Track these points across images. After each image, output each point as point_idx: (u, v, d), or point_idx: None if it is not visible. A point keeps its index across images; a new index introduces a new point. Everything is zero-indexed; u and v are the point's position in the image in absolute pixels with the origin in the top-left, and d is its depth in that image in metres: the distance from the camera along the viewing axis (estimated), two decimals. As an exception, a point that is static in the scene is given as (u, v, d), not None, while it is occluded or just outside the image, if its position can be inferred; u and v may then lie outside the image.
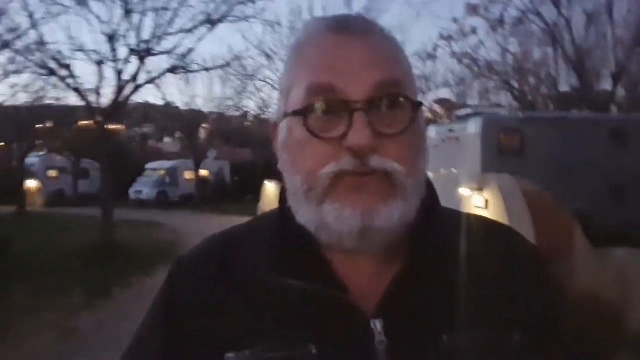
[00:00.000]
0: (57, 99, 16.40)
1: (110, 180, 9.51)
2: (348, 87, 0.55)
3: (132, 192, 20.04)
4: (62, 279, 6.79)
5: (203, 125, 24.68)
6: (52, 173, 21.70)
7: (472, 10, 7.88)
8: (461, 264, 0.60)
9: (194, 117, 21.49)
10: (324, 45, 0.57)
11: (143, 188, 20.34)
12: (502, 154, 8.15)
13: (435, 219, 0.61)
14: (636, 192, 8.11)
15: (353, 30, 0.57)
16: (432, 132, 9.54)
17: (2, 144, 18.59)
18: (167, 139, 41.98)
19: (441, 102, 24.55)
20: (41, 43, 8.54)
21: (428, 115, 26.41)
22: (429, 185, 0.62)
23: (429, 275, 0.58)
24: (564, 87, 12.50)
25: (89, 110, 8.99)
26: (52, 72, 8.32)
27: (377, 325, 0.56)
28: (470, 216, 0.69)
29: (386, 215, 0.54)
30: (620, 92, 11.60)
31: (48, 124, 19.48)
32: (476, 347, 0.56)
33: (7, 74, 9.91)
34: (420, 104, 0.58)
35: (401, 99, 0.56)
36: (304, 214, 0.57)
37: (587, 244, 4.23)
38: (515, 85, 12.96)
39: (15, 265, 7.40)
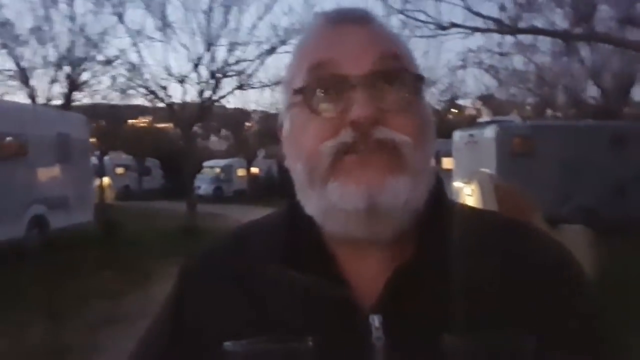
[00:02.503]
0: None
1: (192, 179, 12.26)
2: (348, 63, 0.55)
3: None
4: (166, 250, 9.36)
5: (247, 124, 27.44)
6: (119, 170, 25.02)
7: (500, 23, 9.80)
8: (469, 260, 0.58)
9: (239, 116, 24.07)
10: (323, 33, 0.59)
11: (201, 184, 23.16)
12: (514, 157, 10.04)
13: (443, 212, 0.60)
14: (634, 190, 9.76)
15: (353, 19, 0.59)
16: (456, 136, 11.65)
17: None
18: (213, 138, 45.20)
19: (484, 98, 25.88)
20: (135, 66, 11.43)
21: (472, 112, 28.02)
22: (438, 178, 0.62)
23: (433, 270, 0.57)
24: (584, 97, 14.29)
25: (176, 120, 11.74)
26: (152, 92, 11.17)
27: (375, 320, 0.56)
28: (484, 212, 0.70)
29: (394, 189, 0.53)
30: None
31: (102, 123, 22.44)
32: (480, 347, 0.55)
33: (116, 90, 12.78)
34: (422, 77, 0.58)
35: (402, 72, 0.57)
36: (310, 201, 0.58)
37: (545, 223, 6.31)
38: (540, 93, 14.86)
39: (126, 241, 10.16)
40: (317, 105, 0.56)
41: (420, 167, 0.56)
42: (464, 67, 13.84)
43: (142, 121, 32.70)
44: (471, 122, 13.98)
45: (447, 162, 12.89)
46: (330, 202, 0.55)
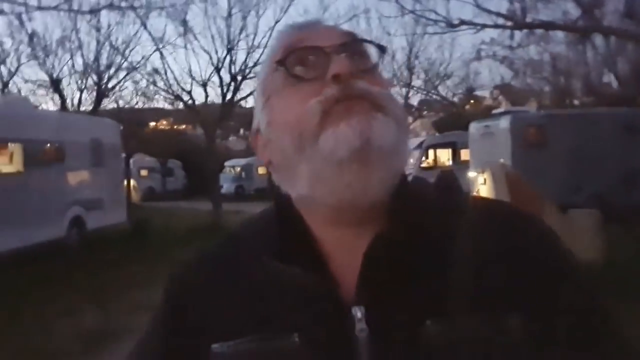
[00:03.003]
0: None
1: (216, 178, 12.86)
2: (319, 39, 0.61)
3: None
4: (192, 245, 9.93)
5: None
6: (143, 172, 25.88)
7: (509, 18, 10.06)
8: (448, 240, 0.58)
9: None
10: (291, 33, 0.65)
11: (223, 183, 23.87)
12: (528, 147, 10.27)
13: (413, 194, 0.62)
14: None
15: (311, 24, 0.66)
16: (471, 127, 11.95)
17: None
18: (232, 137, 46.05)
19: (501, 87, 25.85)
20: (157, 71, 12.08)
21: (489, 102, 28.18)
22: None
23: (409, 252, 0.57)
24: (601, 85, 14.46)
25: (200, 122, 12.34)
26: (177, 97, 11.82)
27: (358, 312, 0.56)
28: (460, 191, 0.69)
29: (383, 125, 0.56)
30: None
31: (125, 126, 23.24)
32: (465, 332, 0.54)
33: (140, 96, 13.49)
34: (384, 47, 0.63)
35: (365, 43, 0.63)
36: (298, 172, 0.58)
37: (555, 210, 6.66)
38: (556, 82, 15.06)
39: (155, 238, 10.78)
40: (299, 72, 0.60)
41: (400, 117, 0.59)
42: (478, 59, 14.13)
43: (162, 123, 33.60)
44: (489, 112, 14.24)
45: (465, 154, 13.17)
46: (322, 156, 0.56)
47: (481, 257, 0.58)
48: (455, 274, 0.57)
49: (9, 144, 8.15)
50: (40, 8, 7.27)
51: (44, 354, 4.40)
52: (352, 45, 0.61)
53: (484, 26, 7.84)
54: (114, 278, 7.10)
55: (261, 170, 25.47)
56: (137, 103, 16.86)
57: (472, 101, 26.73)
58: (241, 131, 42.27)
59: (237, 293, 0.61)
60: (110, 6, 8.40)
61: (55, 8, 7.61)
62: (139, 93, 13.80)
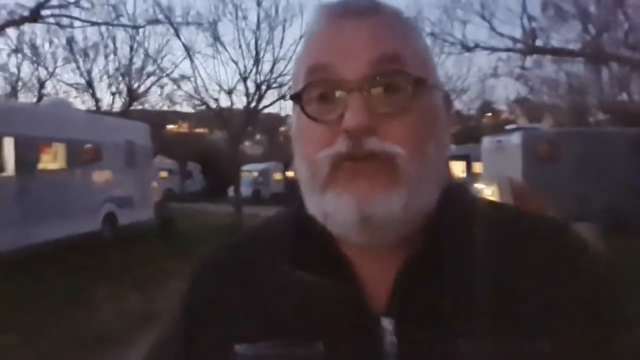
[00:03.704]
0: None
1: (237, 182, 13.61)
2: (344, 67, 0.55)
3: (231, 191, 24.50)
4: (218, 241, 10.65)
5: (280, 129, 28.70)
6: (163, 174, 26.72)
7: (521, 42, 10.54)
8: (485, 258, 0.58)
9: (274, 121, 25.32)
10: (325, 30, 0.58)
11: (241, 187, 24.74)
12: (539, 162, 10.77)
13: (455, 210, 0.60)
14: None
15: (355, 12, 0.58)
16: (484, 142, 12.53)
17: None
18: (247, 143, 46.92)
19: (519, 101, 26.06)
20: (188, 78, 12.92)
21: (507, 115, 28.54)
22: (453, 179, 0.63)
23: (446, 267, 0.57)
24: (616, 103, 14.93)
25: (226, 128, 13.14)
26: (204, 103, 12.65)
27: (388, 324, 0.56)
28: (503, 207, 0.68)
29: (385, 203, 0.53)
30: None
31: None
32: (496, 354, 0.54)
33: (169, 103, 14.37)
34: (422, 79, 0.56)
35: (400, 76, 0.56)
36: (311, 204, 0.58)
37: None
38: (571, 100, 15.56)
39: (181, 234, 11.49)
40: (313, 113, 0.57)
41: (418, 178, 0.55)
42: (494, 76, 14.68)
43: (182, 126, 34.54)
44: (505, 126, 14.77)
45: (478, 167, 13.73)
46: (327, 210, 0.56)
47: (515, 278, 0.58)
48: (488, 293, 0.57)
49: (54, 144, 8.97)
50: (95, 23, 8.05)
51: (98, 335, 5.02)
52: (379, 79, 0.55)
53: (496, 49, 8.48)
54: (150, 269, 7.78)
55: (278, 176, 26.21)
56: (162, 107, 17.77)
57: (489, 114, 27.17)
58: (257, 136, 43.10)
59: (258, 296, 0.62)
60: (155, 22, 9.18)
61: (106, 24, 8.41)
62: (165, 97, 14.64)
